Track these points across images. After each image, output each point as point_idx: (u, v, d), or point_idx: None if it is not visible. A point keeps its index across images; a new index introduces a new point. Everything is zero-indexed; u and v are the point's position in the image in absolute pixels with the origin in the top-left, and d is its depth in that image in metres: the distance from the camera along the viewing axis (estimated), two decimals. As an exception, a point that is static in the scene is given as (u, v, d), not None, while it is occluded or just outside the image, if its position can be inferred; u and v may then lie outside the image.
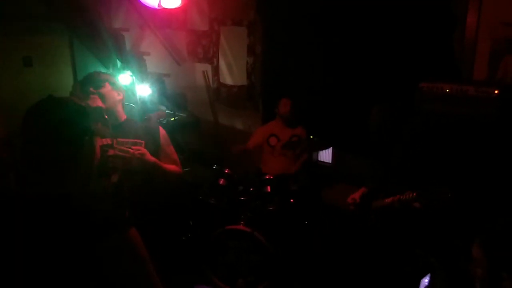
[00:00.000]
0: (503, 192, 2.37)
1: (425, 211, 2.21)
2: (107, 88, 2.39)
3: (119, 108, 2.48)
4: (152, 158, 2.34)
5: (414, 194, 2.19)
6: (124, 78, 5.22)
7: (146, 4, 4.13)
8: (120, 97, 2.47)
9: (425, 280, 1.99)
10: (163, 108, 4.94)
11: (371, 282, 2.71)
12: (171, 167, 2.54)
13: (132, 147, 2.28)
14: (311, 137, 3.94)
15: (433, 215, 2.29)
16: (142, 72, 5.39)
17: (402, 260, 2.43)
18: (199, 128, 5.12)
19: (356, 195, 2.72)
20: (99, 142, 1.32)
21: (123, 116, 2.50)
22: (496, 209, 2.32)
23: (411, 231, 2.40)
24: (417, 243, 2.40)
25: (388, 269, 2.51)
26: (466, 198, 2.28)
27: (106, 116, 2.24)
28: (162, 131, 2.58)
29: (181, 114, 5.03)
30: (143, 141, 2.37)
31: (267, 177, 3.55)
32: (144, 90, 4.91)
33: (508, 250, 1.14)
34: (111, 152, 2.18)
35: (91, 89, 2.34)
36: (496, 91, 2.65)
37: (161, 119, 4.53)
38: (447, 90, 2.81)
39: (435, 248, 2.30)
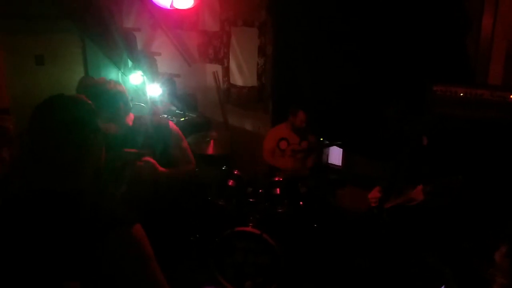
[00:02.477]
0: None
1: (435, 201, 2.18)
2: (121, 108, 2.20)
3: (125, 116, 2.27)
4: (161, 169, 2.19)
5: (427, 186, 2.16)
6: (135, 77, 5.29)
7: (158, 5, 4.14)
8: (123, 106, 2.24)
9: None
10: (173, 108, 4.96)
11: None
12: (183, 170, 2.39)
13: (142, 158, 2.13)
14: (321, 139, 3.91)
15: (443, 208, 2.25)
16: (153, 72, 5.42)
17: (415, 271, 2.38)
18: (209, 128, 5.11)
19: (376, 194, 2.63)
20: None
21: (130, 121, 2.30)
22: (508, 213, 2.27)
23: (424, 232, 2.36)
24: (430, 248, 2.36)
25: (400, 278, 2.47)
26: (476, 194, 2.23)
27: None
28: (173, 130, 2.41)
29: (191, 115, 5.04)
30: (151, 151, 2.21)
31: (277, 179, 3.53)
32: (155, 90, 4.94)
33: None
34: (119, 163, 2.07)
35: (108, 115, 2.12)
36: (512, 96, 2.59)
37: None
38: (461, 94, 2.76)
39: (448, 254, 2.26)
